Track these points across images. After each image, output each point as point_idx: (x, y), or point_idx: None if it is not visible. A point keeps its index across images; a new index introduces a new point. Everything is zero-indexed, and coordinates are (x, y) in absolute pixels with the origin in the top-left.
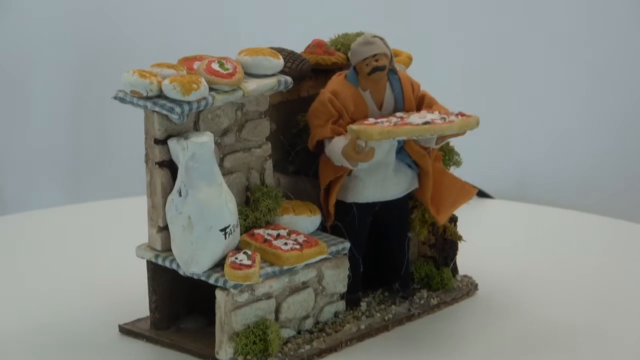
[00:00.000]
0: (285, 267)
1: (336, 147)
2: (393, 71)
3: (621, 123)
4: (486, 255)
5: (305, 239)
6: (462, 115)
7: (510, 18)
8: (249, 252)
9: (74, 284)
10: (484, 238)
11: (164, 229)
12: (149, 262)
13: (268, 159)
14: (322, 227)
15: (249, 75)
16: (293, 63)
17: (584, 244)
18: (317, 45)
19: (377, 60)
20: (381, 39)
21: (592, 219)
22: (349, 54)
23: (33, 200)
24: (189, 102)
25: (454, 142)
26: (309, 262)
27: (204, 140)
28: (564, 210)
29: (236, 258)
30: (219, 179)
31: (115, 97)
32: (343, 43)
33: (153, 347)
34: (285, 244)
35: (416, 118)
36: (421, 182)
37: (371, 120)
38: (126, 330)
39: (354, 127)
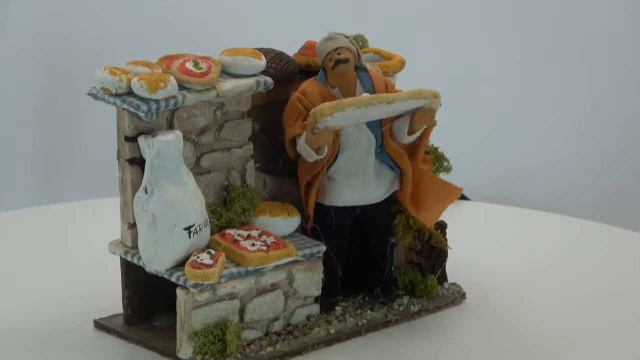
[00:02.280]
0: (250, 268)
1: (303, 140)
2: (362, 69)
3: (602, 125)
4: (475, 261)
5: (274, 240)
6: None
7: (496, 20)
8: (213, 252)
9: (55, 281)
10: (470, 243)
11: (134, 225)
12: (122, 258)
13: (250, 160)
14: (304, 230)
15: (229, 75)
16: (278, 64)
17: (565, 247)
18: (309, 46)
19: (339, 54)
20: (346, 36)
21: (572, 222)
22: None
23: (4, 201)
24: (156, 100)
25: (447, 147)
26: (275, 264)
27: (170, 138)
28: (543, 212)
29: (198, 257)
30: (185, 178)
31: (89, 94)
32: None
33: (124, 343)
34: (253, 244)
35: None
36: (401, 183)
37: None
38: (100, 325)
39: (311, 111)
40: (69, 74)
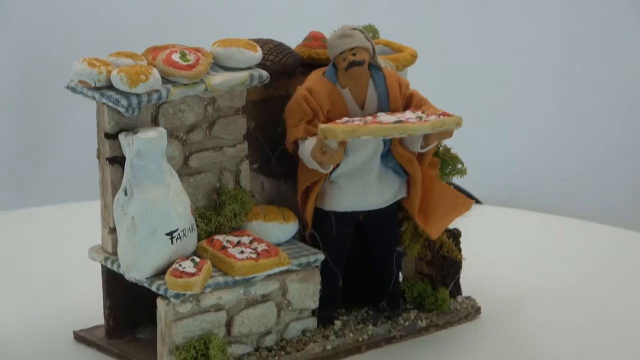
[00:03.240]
0: (237, 278)
1: (307, 148)
2: (377, 67)
3: (621, 125)
4: (491, 272)
5: (265, 247)
6: (445, 115)
7: (509, 18)
8: (197, 260)
9: (33, 290)
10: (485, 251)
11: (115, 230)
12: (102, 265)
13: (244, 160)
14: (302, 237)
15: (221, 68)
16: (276, 56)
17: (587, 255)
18: (312, 37)
19: (354, 54)
20: (361, 31)
21: (593, 228)
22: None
23: None
24: (137, 95)
25: (457, 148)
26: (265, 273)
27: (151, 136)
28: (562, 217)
29: (180, 265)
30: (168, 178)
31: (68, 87)
32: None
33: (104, 356)
34: (242, 252)
35: (388, 117)
36: (409, 190)
37: (344, 119)
38: (80, 338)
39: (321, 125)
40: (47, 65)
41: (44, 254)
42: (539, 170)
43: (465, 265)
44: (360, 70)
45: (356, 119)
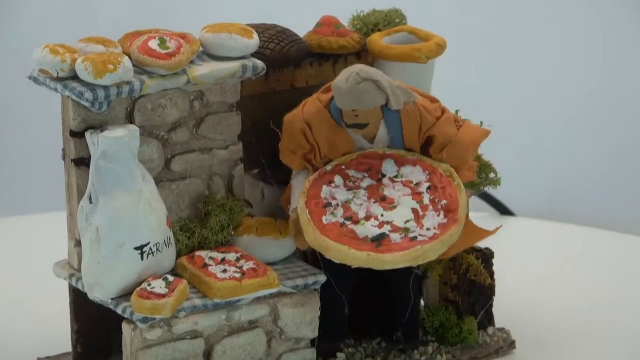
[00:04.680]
0: (217, 300)
1: (295, 194)
2: (390, 110)
3: None
4: (527, 298)
5: (253, 266)
6: (449, 211)
7: (550, 20)
8: (170, 279)
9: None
10: (520, 272)
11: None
12: (70, 283)
13: (238, 164)
14: (305, 255)
15: (210, 56)
16: (278, 44)
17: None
18: (324, 23)
19: (357, 116)
20: (374, 81)
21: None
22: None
23: None
24: (104, 87)
25: (490, 155)
26: (250, 296)
27: (118, 135)
28: (608, 232)
29: (149, 284)
30: (139, 184)
31: (30, 77)
32: (365, 22)
33: None
34: (224, 271)
35: (369, 226)
36: None
37: (325, 195)
38: None
39: (300, 207)
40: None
41: (5, 271)
42: (580, 178)
43: (498, 289)
44: (362, 131)
45: (342, 196)
